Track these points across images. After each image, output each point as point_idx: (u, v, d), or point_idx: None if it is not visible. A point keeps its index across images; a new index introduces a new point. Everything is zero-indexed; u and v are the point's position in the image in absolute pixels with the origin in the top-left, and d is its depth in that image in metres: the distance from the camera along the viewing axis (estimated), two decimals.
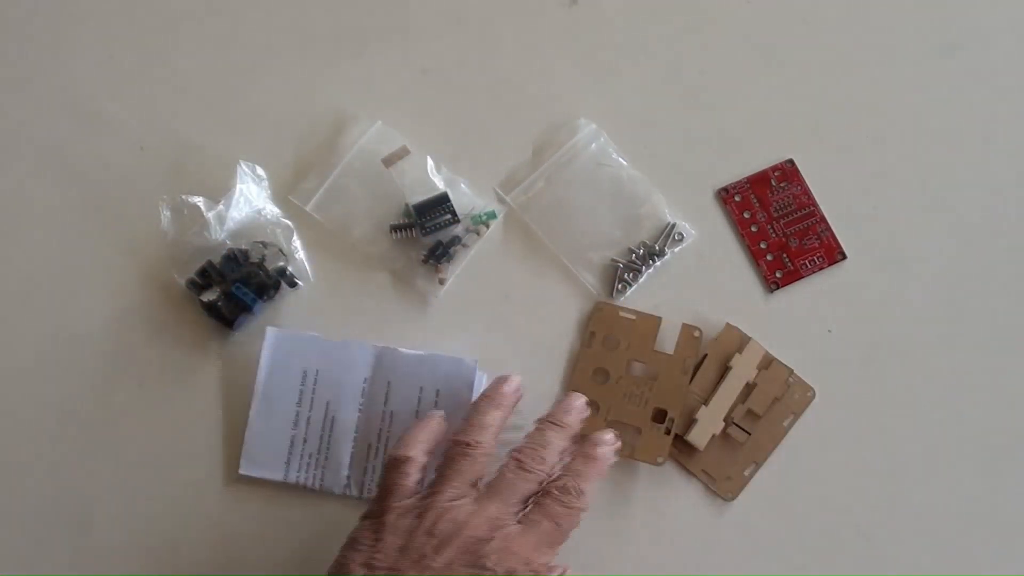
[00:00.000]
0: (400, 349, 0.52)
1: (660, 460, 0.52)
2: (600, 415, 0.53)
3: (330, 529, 0.51)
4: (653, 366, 0.53)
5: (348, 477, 0.52)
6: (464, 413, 0.50)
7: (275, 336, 0.53)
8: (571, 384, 0.54)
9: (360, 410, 0.52)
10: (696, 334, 0.53)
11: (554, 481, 0.46)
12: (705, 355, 0.53)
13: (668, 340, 0.54)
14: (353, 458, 0.52)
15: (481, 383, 0.52)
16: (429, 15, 0.58)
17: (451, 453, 0.47)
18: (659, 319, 0.54)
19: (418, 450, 0.47)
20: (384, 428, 0.52)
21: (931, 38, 0.59)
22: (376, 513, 0.45)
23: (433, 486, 0.46)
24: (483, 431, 0.47)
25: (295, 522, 0.52)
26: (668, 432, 0.52)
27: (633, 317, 0.54)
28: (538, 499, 0.45)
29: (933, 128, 0.57)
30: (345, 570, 0.43)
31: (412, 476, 0.46)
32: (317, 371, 0.52)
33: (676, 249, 0.55)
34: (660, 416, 0.53)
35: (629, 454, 0.52)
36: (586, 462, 0.47)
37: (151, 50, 0.58)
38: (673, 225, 0.55)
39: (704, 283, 0.55)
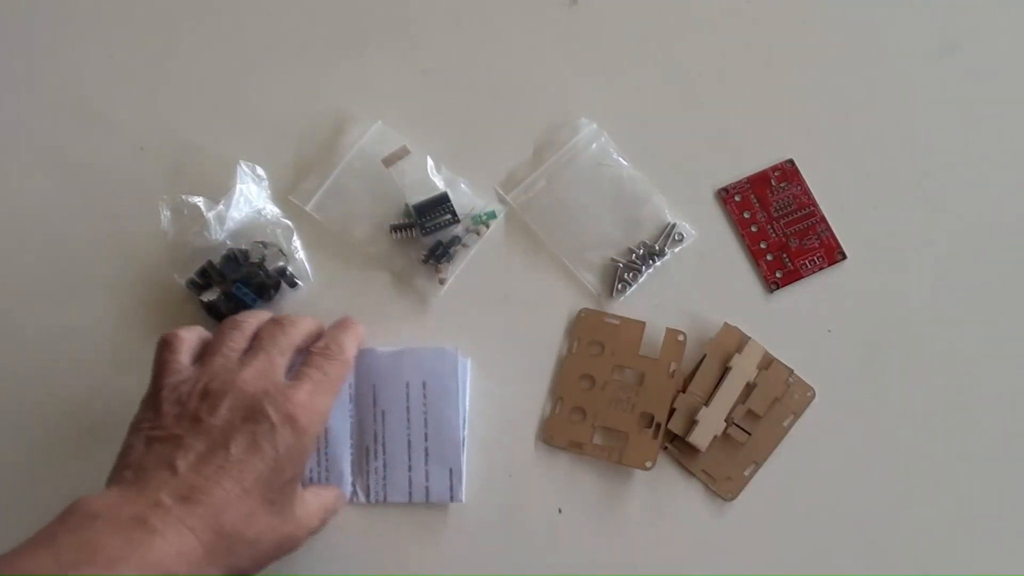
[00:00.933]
0: (376, 349, 0.52)
1: (648, 465, 0.52)
2: (587, 421, 0.53)
3: (338, 535, 0.51)
4: (639, 371, 0.53)
5: (354, 484, 0.52)
6: (453, 402, 0.51)
7: None
8: (557, 390, 0.53)
9: (351, 416, 0.52)
10: (680, 338, 0.53)
11: (315, 344, 0.48)
12: (704, 356, 0.53)
13: (654, 345, 0.54)
14: (354, 465, 0.52)
15: (466, 369, 0.53)
16: (429, 15, 0.58)
17: (220, 330, 0.48)
18: (643, 324, 0.54)
19: (189, 332, 0.48)
20: (378, 428, 0.52)
21: (931, 38, 0.59)
22: (151, 393, 0.46)
23: (203, 359, 0.47)
24: (253, 315, 0.49)
25: None
26: (656, 436, 0.52)
27: (617, 323, 0.54)
28: (303, 358, 0.47)
29: (933, 128, 0.57)
30: (128, 453, 0.43)
31: (183, 354, 0.47)
32: None
33: (676, 249, 0.55)
34: (648, 421, 0.53)
35: (618, 459, 0.52)
36: (341, 329, 0.50)
37: (151, 50, 0.58)
38: (673, 225, 0.55)
39: (704, 283, 0.55)
